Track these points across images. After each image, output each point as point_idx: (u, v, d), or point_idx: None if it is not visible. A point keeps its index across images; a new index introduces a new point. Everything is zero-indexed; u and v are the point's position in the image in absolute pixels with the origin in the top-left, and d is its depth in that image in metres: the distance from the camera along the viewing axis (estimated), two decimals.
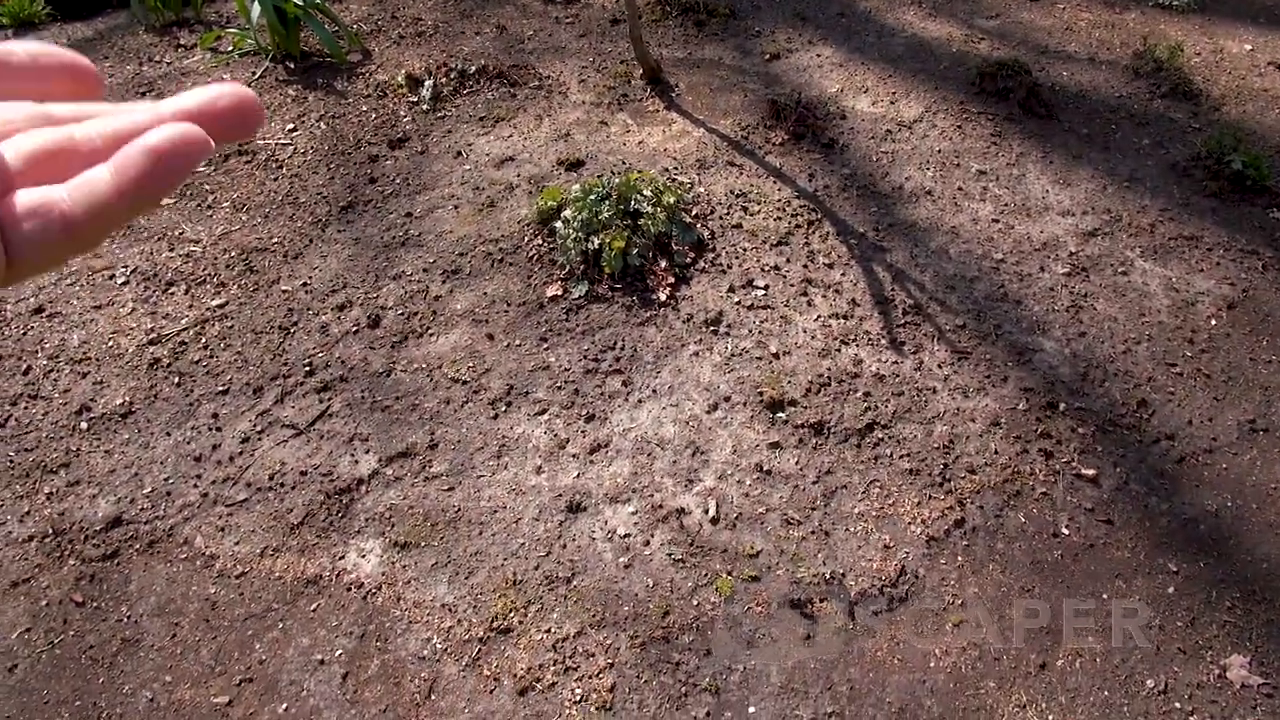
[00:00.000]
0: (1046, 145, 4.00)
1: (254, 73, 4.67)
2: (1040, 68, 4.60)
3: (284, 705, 2.23)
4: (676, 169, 3.82)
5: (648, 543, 2.53)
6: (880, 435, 2.79)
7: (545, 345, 3.10)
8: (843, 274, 3.33)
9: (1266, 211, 3.65)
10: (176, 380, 3.05)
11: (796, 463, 2.72)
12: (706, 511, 2.60)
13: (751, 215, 3.57)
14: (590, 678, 2.25)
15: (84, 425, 2.91)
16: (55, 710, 2.25)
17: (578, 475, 2.71)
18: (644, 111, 4.26)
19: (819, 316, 3.16)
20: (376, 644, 2.35)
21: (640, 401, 2.91)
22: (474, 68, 4.46)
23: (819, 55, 4.70)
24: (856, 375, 2.96)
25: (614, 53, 4.75)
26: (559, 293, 3.25)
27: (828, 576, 2.43)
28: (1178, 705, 2.21)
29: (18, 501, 2.70)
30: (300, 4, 4.51)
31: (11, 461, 2.81)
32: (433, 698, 2.24)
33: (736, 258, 3.38)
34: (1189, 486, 2.68)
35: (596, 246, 3.23)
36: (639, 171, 3.59)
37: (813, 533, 2.54)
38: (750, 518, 2.58)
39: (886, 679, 2.24)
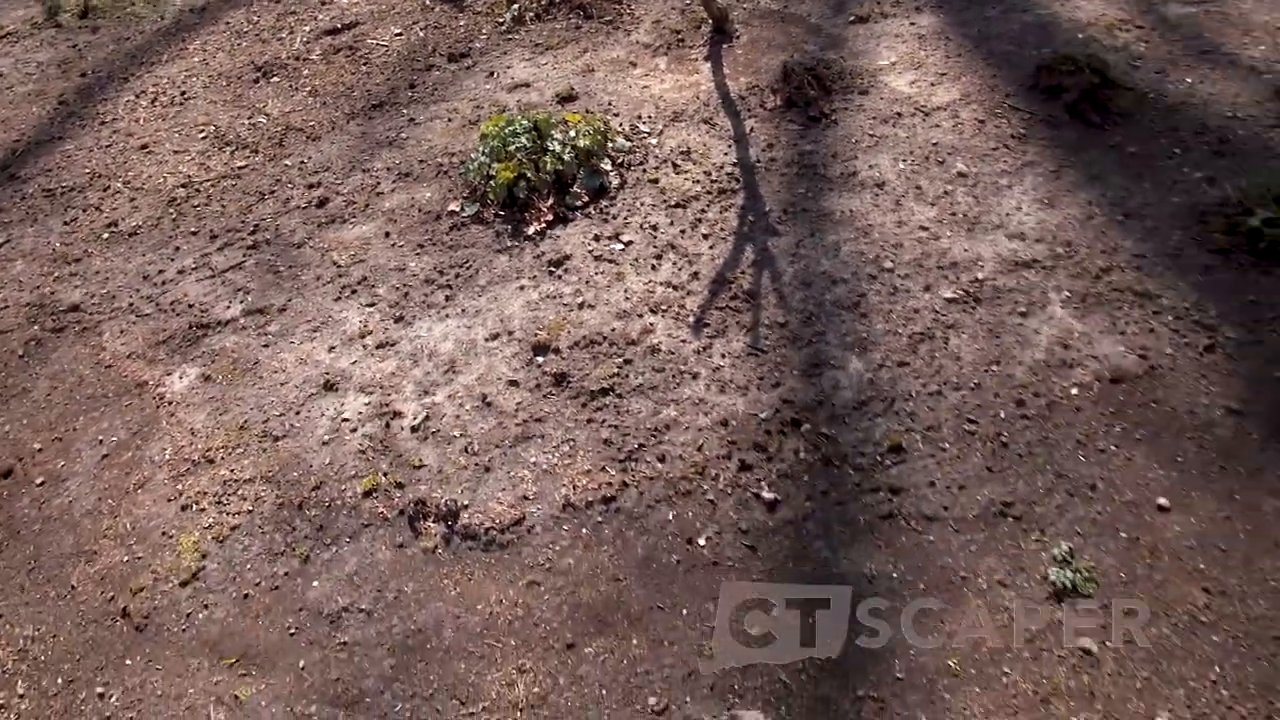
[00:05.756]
0: (1067, 159, 3.37)
1: None
2: (1170, 70, 3.78)
3: (61, 463, 2.96)
4: (652, 118, 3.85)
5: (355, 429, 2.85)
6: (609, 401, 2.79)
7: (418, 251, 3.44)
8: (711, 247, 3.22)
9: None
10: (175, 216, 3.88)
11: (517, 403, 2.83)
12: (414, 419, 2.84)
13: (678, 173, 3.53)
14: (229, 515, 2.68)
15: (105, 235, 3.85)
16: None
17: (353, 362, 3.07)
18: (682, 59, 4.25)
19: (651, 281, 3.13)
20: (137, 441, 2.97)
21: (446, 316, 3.16)
22: None
23: (911, 24, 4.27)
24: (633, 343, 2.94)
25: None
26: (457, 208, 3.55)
27: (454, 504, 2.58)
28: None
29: (31, 278, 3.70)
30: None
31: (54, 251, 3.83)
32: (139, 492, 2.82)
33: (628, 210, 3.41)
34: (877, 547, 2.38)
35: (494, 174, 3.47)
36: (583, 114, 3.71)
37: (478, 465, 2.68)
38: (442, 436, 2.79)
39: (431, 605, 2.39)
